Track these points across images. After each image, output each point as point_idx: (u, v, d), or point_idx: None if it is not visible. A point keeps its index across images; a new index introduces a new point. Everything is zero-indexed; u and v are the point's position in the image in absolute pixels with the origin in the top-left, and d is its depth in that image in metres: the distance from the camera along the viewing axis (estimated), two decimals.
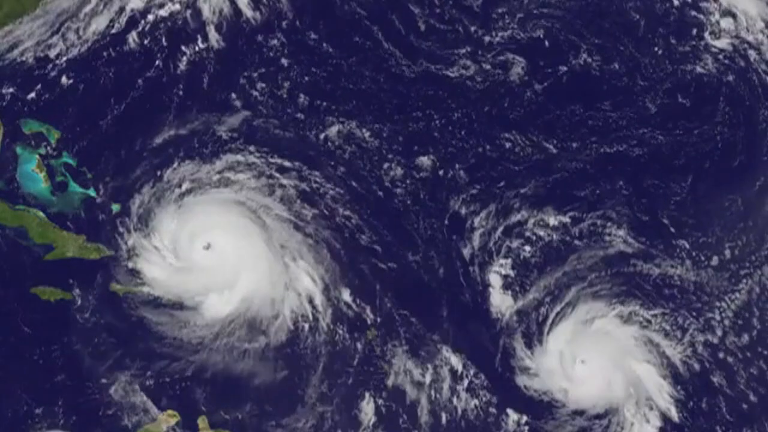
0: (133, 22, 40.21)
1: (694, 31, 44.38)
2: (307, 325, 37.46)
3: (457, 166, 40.71)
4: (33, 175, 37.64)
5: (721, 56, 44.13)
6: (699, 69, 43.65)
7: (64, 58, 39.19)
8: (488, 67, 42.13)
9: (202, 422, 35.91)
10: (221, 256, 37.90)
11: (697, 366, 39.44)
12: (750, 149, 42.89)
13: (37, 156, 37.80)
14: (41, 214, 37.21)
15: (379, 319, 37.98)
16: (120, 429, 35.44)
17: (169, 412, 35.87)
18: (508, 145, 41.19)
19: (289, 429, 36.36)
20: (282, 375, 36.83)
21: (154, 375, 36.09)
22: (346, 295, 38.04)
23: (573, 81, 42.68)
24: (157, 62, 39.88)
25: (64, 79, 38.96)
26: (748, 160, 42.67)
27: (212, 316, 37.13)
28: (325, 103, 40.45)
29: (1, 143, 37.54)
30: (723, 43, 44.35)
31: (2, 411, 35.20)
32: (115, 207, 37.75)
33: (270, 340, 37.12)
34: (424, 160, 40.51)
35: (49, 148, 37.97)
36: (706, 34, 44.41)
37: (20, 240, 36.78)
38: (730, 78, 43.73)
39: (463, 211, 40.19)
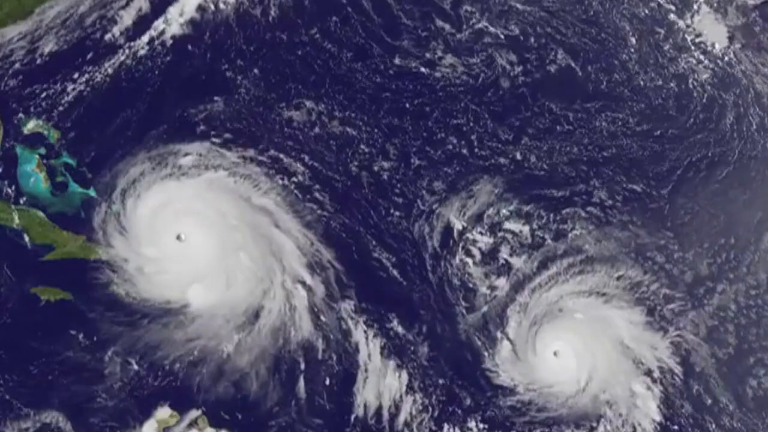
0: (131, 21, 39.82)
1: (685, 38, 44.72)
2: (290, 316, 38.10)
3: (426, 159, 40.90)
4: (33, 175, 37.29)
5: (712, 65, 44.45)
6: (690, 78, 43.90)
7: (64, 59, 38.52)
8: (465, 63, 42.30)
9: (202, 422, 36.61)
10: (195, 245, 38.10)
11: (671, 378, 40.52)
12: (738, 161, 43.11)
13: (37, 156, 37.41)
14: (41, 214, 37.00)
15: (355, 310, 38.59)
16: (119, 429, 35.86)
17: (169, 412, 36.44)
18: (475, 140, 41.43)
19: (287, 428, 37.45)
20: (274, 371, 37.51)
21: (154, 374, 36.48)
22: (321, 287, 38.56)
23: (551, 80, 42.95)
24: (156, 59, 39.53)
25: (64, 79, 38.35)
26: (735, 173, 42.83)
27: (205, 311, 37.45)
28: (295, 85, 40.59)
29: (1, 143, 37.03)
30: (714, 51, 44.74)
31: None
32: (115, 207, 37.72)
33: (261, 336, 37.72)
34: (393, 150, 40.72)
35: (49, 148, 37.60)
36: (697, 42, 44.79)
37: (20, 240, 36.62)
38: (721, 86, 44.09)
39: (431, 204, 40.49)
